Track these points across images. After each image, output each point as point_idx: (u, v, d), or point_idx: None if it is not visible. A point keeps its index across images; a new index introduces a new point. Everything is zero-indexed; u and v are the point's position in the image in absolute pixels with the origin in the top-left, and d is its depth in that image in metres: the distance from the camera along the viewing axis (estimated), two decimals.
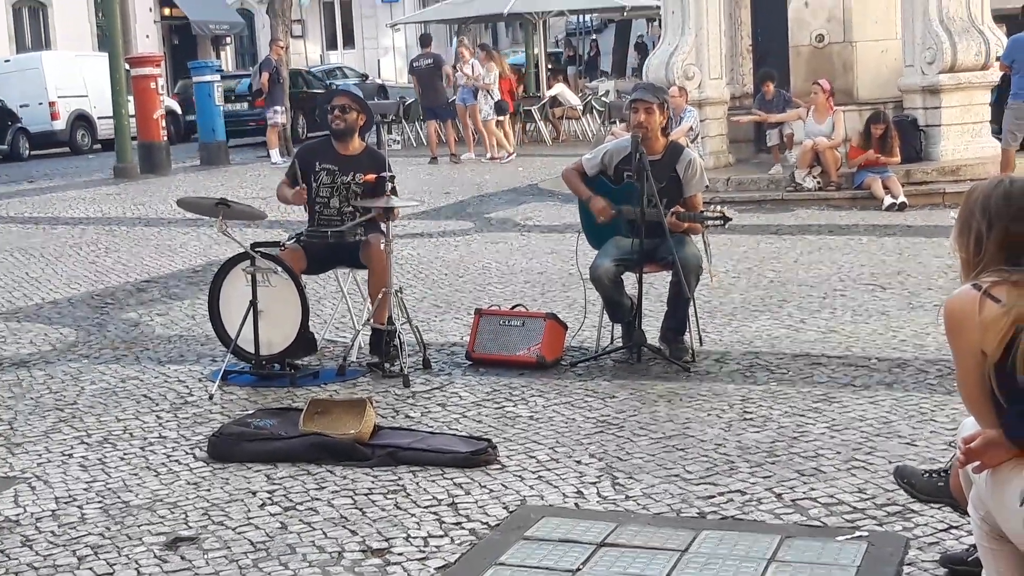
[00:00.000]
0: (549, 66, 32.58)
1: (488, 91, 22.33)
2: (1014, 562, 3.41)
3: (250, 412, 6.51)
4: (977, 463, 3.43)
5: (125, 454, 6.00)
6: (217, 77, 24.66)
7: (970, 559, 4.14)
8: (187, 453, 5.99)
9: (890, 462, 5.41)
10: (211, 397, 6.94)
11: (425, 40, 24.54)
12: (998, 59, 14.39)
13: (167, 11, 44.08)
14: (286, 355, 7.31)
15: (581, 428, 6.19)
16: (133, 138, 21.94)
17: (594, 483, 5.37)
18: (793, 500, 5.09)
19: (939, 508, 4.70)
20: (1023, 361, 3.29)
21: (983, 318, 3.35)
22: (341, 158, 7.76)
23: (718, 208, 7.55)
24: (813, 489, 5.20)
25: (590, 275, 7.46)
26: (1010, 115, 13.95)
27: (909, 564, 4.42)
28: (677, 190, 7.45)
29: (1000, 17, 15.88)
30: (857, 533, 4.71)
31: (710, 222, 7.41)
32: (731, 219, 7.52)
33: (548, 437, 6.05)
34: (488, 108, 22.24)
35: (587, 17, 47.05)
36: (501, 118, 22.70)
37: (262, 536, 4.88)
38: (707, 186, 7.59)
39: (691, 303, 7.43)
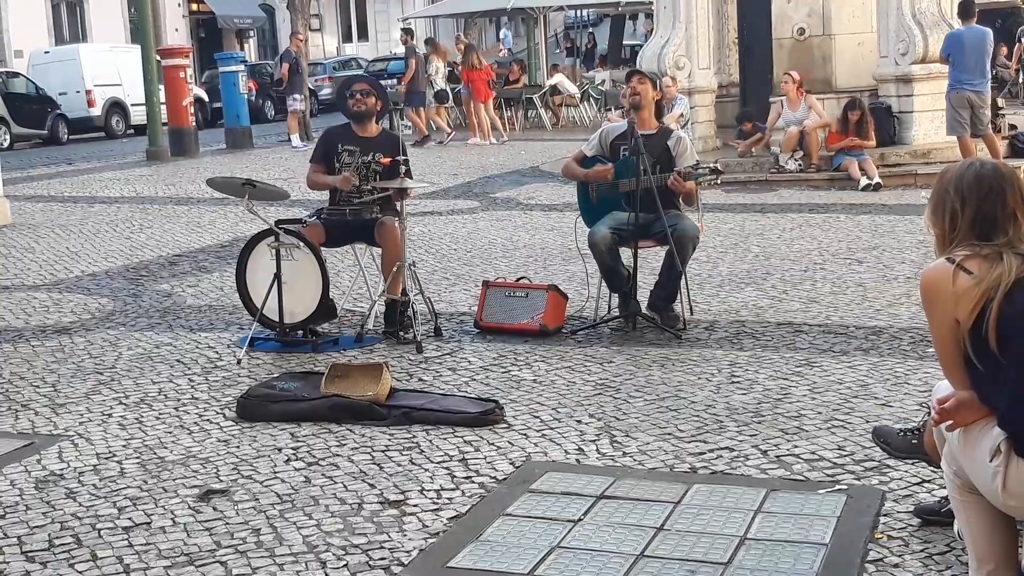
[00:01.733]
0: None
1: (431, 81, 22.96)
2: (983, 512, 3.41)
3: (275, 376, 6.52)
4: (950, 422, 3.43)
5: (160, 414, 6.01)
6: (241, 67, 24.62)
7: (942, 510, 4.15)
8: (217, 413, 6.00)
9: (867, 421, 5.42)
10: (239, 362, 6.94)
11: (403, 36, 24.70)
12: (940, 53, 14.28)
13: (195, 6, 43.97)
14: (308, 323, 7.32)
15: (581, 390, 6.19)
16: (164, 124, 21.93)
17: (593, 441, 5.38)
18: (777, 456, 5.09)
19: (913, 464, 4.71)
20: (993, 329, 3.28)
21: (956, 289, 3.34)
22: (361, 140, 7.76)
23: (709, 163, 7.57)
24: (796, 446, 5.21)
25: (588, 240, 7.45)
26: (949, 105, 13.82)
27: (885, 515, 4.42)
28: (669, 163, 7.46)
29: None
30: (837, 486, 4.71)
31: (704, 178, 7.43)
32: (722, 172, 7.61)
33: (551, 399, 6.06)
34: (429, 96, 22.97)
35: (584, 12, 46.85)
36: (438, 104, 23.52)
37: (288, 489, 4.89)
38: (697, 161, 7.60)
39: (683, 276, 7.43)
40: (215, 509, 4.70)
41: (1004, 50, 26.43)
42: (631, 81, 7.75)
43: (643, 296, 7.56)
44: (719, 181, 7.59)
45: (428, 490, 4.83)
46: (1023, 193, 3.42)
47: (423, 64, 23.13)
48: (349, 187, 7.58)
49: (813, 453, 5.11)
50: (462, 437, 5.48)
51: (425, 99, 23.13)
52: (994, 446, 3.29)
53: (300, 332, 7.33)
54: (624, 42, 43.11)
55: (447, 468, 5.09)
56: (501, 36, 51.66)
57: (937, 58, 14.71)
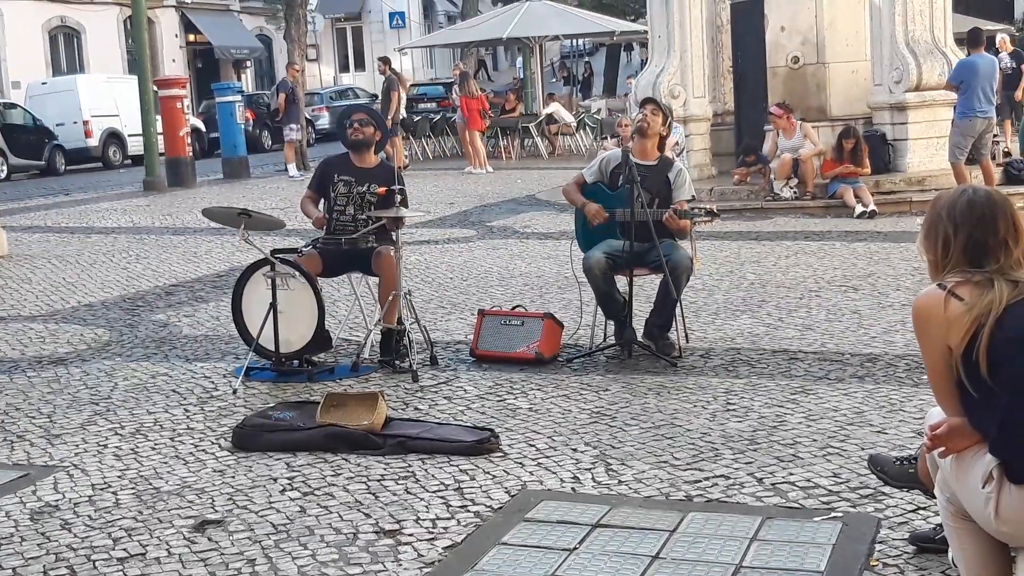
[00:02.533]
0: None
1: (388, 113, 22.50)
2: (977, 539, 3.42)
3: (271, 405, 6.52)
4: (943, 448, 3.44)
5: (156, 444, 6.01)
6: (238, 97, 24.71)
7: (937, 537, 4.15)
8: (213, 443, 5.99)
9: (863, 449, 5.43)
10: (235, 391, 6.95)
11: (382, 66, 24.62)
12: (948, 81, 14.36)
13: (192, 37, 44.14)
14: (304, 352, 7.32)
15: (577, 419, 6.19)
16: (161, 154, 21.97)
17: (589, 469, 5.38)
18: (773, 484, 5.09)
19: (908, 491, 4.71)
20: (984, 355, 3.30)
21: (948, 315, 3.36)
22: (357, 170, 7.79)
23: (704, 206, 7.61)
24: (792, 474, 5.21)
25: (583, 265, 7.47)
26: (956, 132, 13.88)
27: (881, 542, 4.42)
28: (668, 194, 7.50)
29: (959, 40, 15.90)
30: (833, 514, 4.71)
31: (697, 218, 7.45)
32: (718, 215, 7.62)
33: (546, 427, 6.06)
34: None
35: (580, 41, 47.09)
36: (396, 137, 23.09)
37: (283, 519, 4.89)
38: (693, 196, 7.65)
39: (678, 304, 7.45)
40: (210, 540, 4.69)
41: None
42: (646, 107, 7.79)
43: (639, 324, 7.58)
44: (713, 222, 7.61)
45: (423, 519, 4.83)
46: (1015, 220, 3.44)
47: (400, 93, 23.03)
48: (321, 225, 7.60)
49: (809, 481, 5.12)
50: (458, 466, 5.48)
51: (397, 129, 23.06)
52: (986, 472, 3.30)
53: (296, 362, 7.33)
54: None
55: (442, 497, 5.08)
56: (516, 64, 51.82)
57: (931, 85, 14.81)
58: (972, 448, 3.37)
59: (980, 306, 3.33)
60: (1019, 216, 3.48)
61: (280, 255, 7.37)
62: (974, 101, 13.76)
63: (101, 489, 5.34)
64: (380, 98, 24.08)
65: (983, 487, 3.31)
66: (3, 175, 26.33)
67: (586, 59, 52.67)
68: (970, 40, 14.57)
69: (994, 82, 14.10)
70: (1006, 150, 16.69)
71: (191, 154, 22.86)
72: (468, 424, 6.10)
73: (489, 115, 24.14)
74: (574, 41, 46.00)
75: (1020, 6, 40.76)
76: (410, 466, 5.50)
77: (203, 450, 5.89)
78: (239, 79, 42.54)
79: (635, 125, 7.66)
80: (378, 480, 5.33)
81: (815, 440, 5.67)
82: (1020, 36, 38.57)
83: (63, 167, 28.80)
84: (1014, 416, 3.26)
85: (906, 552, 4.32)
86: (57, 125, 29.08)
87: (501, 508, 4.93)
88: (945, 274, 3.46)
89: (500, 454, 5.64)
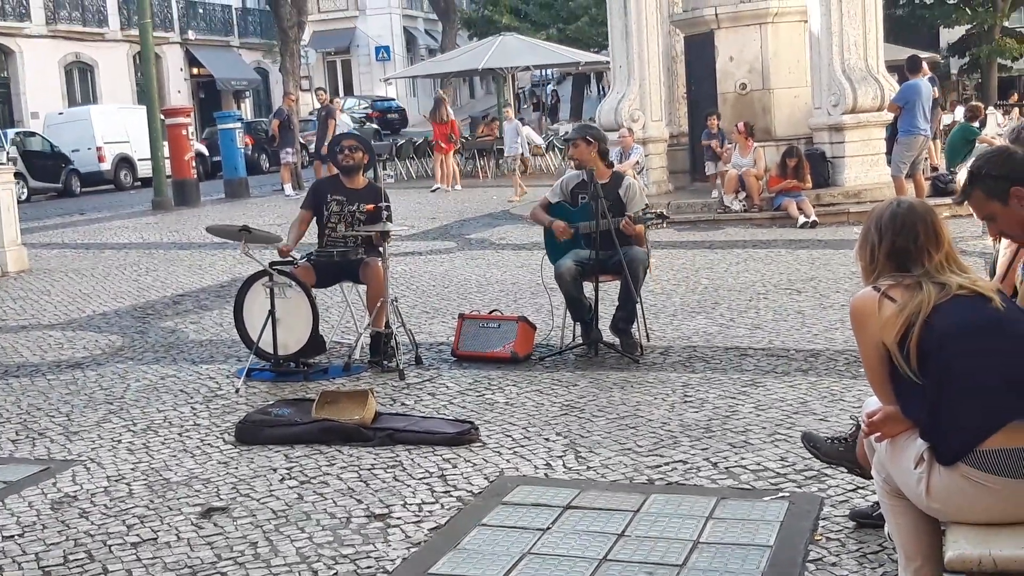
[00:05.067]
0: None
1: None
2: (910, 515, 3.43)
3: (270, 403, 6.50)
4: (879, 434, 3.45)
5: (165, 439, 5.99)
6: (238, 125, 24.62)
7: (874, 514, 4.17)
8: (218, 437, 5.97)
9: None
10: (237, 391, 6.92)
11: (321, 94, 24.34)
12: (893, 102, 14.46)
13: (195, 70, 44.01)
14: (300, 355, 7.30)
15: (549, 411, 6.20)
16: (168, 176, 21.85)
17: (560, 457, 5.38)
18: (726, 468, 5.11)
19: (847, 472, 4.73)
20: (915, 350, 3.31)
21: (882, 315, 3.37)
22: (348, 191, 7.79)
23: (655, 209, 7.62)
24: (743, 458, 5.22)
25: (554, 273, 7.48)
26: (900, 148, 13.98)
27: (824, 519, 4.44)
28: (621, 207, 7.50)
29: (890, 68, 15.99)
30: (780, 494, 4.73)
31: (651, 222, 7.46)
32: (668, 217, 7.65)
33: (521, 419, 6.06)
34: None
35: (548, 71, 47.16)
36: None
37: (282, 505, 4.87)
38: (647, 204, 7.65)
39: (639, 304, 7.46)
40: (216, 525, 4.67)
41: None
42: (569, 151, 7.81)
43: (604, 325, 7.59)
44: (664, 224, 7.63)
45: (410, 504, 4.82)
46: (936, 228, 3.45)
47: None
48: (286, 254, 7.58)
49: (758, 464, 5.13)
50: (441, 455, 5.47)
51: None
52: (918, 455, 3.32)
53: (293, 363, 7.30)
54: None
55: (427, 484, 5.08)
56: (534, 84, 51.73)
57: (866, 108, 14.91)
58: (905, 433, 3.38)
59: (911, 306, 3.33)
60: (941, 225, 3.49)
61: (278, 267, 7.35)
62: (918, 120, 13.86)
63: (116, 480, 5.32)
64: (317, 125, 23.48)
65: (915, 468, 3.32)
66: (24, 197, 26.08)
67: (553, 88, 52.77)
68: (910, 66, 14.67)
69: (930, 103, 14.20)
70: (934, 166, 16.81)
71: (195, 176, 22.76)
72: (450, 417, 6.10)
73: (456, 139, 23.94)
74: (543, 71, 46.05)
75: (944, 36, 41.05)
76: (398, 456, 5.49)
77: (209, 444, 5.87)
78: (239, 108, 42.47)
79: (588, 168, 7.58)
80: (369, 469, 5.32)
81: (764, 428, 5.69)
82: (945, 63, 38.91)
83: (79, 189, 28.65)
84: (941, 404, 3.28)
85: (847, 527, 4.34)
86: (73, 151, 28.92)
87: (481, 493, 4.93)
88: (875, 279, 3.47)
89: (479, 444, 5.64)
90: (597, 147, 7.61)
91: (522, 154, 21.77)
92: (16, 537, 4.64)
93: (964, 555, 3.10)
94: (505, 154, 21.87)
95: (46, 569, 4.29)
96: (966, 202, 3.84)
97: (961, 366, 3.27)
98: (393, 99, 48.59)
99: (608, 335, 7.56)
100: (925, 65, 15.45)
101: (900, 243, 3.43)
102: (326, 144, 20.68)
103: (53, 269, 13.29)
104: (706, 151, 16.20)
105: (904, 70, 15.06)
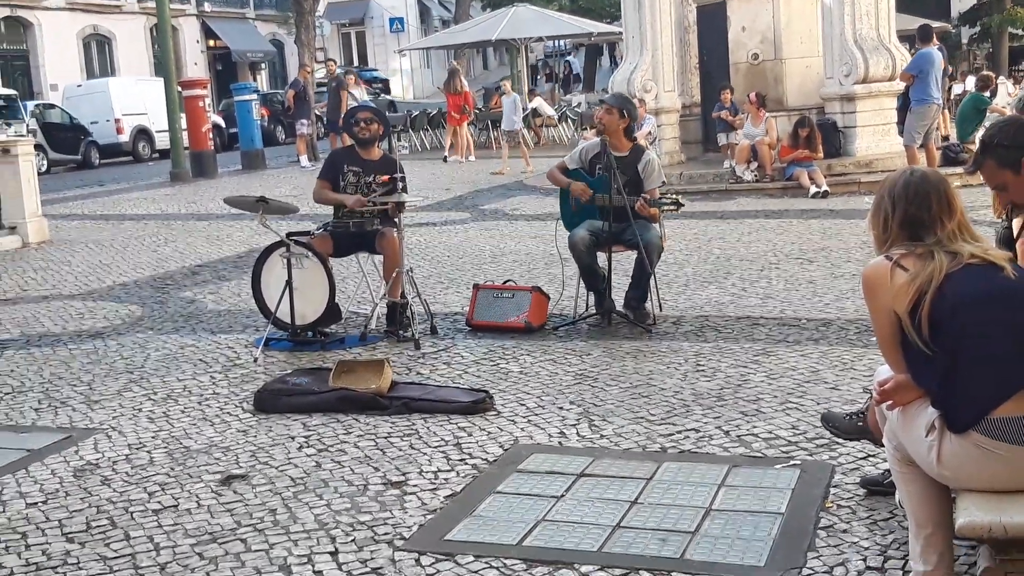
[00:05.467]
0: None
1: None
2: (921, 482, 3.42)
3: (288, 372, 6.52)
4: (890, 402, 3.44)
5: (185, 408, 6.01)
6: (254, 96, 24.58)
7: (885, 481, 4.17)
8: (236, 406, 5.99)
9: (819, 404, 5.45)
10: (256, 360, 6.94)
11: (331, 64, 24.24)
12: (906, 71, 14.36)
13: (211, 43, 43.92)
14: (317, 324, 7.31)
15: (562, 380, 6.20)
16: (185, 148, 21.86)
17: (574, 425, 5.39)
18: (738, 436, 5.11)
19: (858, 442, 4.73)
20: (926, 319, 3.30)
21: (894, 284, 3.35)
22: (364, 162, 7.77)
23: (673, 196, 7.58)
24: (755, 427, 5.22)
25: (568, 242, 7.46)
26: (913, 118, 13.89)
27: (835, 487, 4.44)
28: (638, 182, 7.46)
29: (901, 37, 15.86)
30: (791, 462, 4.73)
31: (666, 207, 7.43)
32: (683, 205, 7.59)
33: (535, 388, 6.06)
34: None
35: (562, 42, 46.89)
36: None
37: (300, 473, 4.89)
38: (664, 182, 7.61)
39: (652, 277, 7.45)
40: (235, 492, 4.69)
41: None
42: (599, 112, 7.77)
43: (617, 295, 7.58)
44: (678, 210, 7.57)
45: (426, 472, 4.84)
46: (948, 198, 3.43)
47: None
48: (361, 206, 7.54)
49: (770, 432, 5.13)
50: (456, 424, 5.48)
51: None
52: (929, 423, 3.31)
53: (310, 332, 7.32)
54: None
55: (443, 452, 5.09)
56: (571, 60, 51.31)
57: (877, 78, 14.79)
58: (916, 402, 3.38)
59: (923, 275, 3.32)
60: (953, 194, 3.46)
61: (294, 237, 7.35)
62: (931, 88, 13.77)
63: (137, 448, 5.34)
64: (328, 96, 23.25)
65: (926, 436, 3.31)
66: (44, 169, 26.12)
67: (566, 58, 52.49)
68: (921, 35, 14.52)
69: (942, 73, 14.10)
70: (945, 135, 16.70)
71: (212, 148, 22.79)
72: (465, 387, 6.10)
73: (470, 110, 23.81)
74: (556, 42, 45.80)
75: (955, 5, 40.67)
76: (414, 424, 5.51)
77: (228, 412, 5.89)
78: (255, 80, 42.38)
79: (601, 138, 7.54)
80: (385, 437, 5.33)
81: (775, 396, 5.68)
82: (956, 33, 38.58)
83: (97, 161, 28.70)
84: (953, 372, 3.27)
85: (857, 495, 4.34)
86: (91, 123, 28.95)
87: (495, 461, 4.94)
88: (888, 247, 3.45)
89: (494, 413, 5.64)
90: (627, 123, 7.59)
91: (519, 129, 21.55)
92: (40, 504, 4.67)
93: (975, 522, 3.10)
94: (503, 128, 21.70)
95: (69, 535, 4.32)
96: (979, 171, 3.82)
97: (973, 335, 3.26)
98: (375, 69, 48.48)
99: (621, 306, 7.55)
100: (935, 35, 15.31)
101: (913, 212, 3.41)
102: (341, 116, 20.64)
103: (73, 240, 13.32)
104: (718, 123, 16.14)
105: (915, 39, 14.95)
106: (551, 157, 18.02)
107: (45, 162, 26.20)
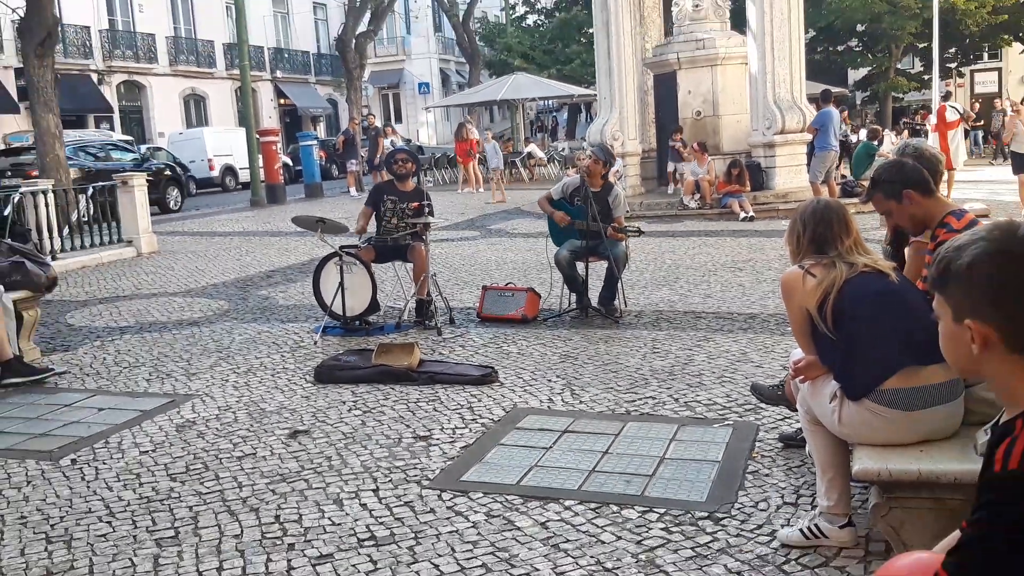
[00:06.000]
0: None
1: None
2: (825, 438, 3.41)
3: (340, 352, 6.51)
4: (802, 377, 3.44)
5: (261, 379, 6.00)
6: (315, 142, 24.52)
7: (798, 437, 4.17)
8: (301, 378, 5.99)
9: (747, 378, 5.44)
10: (315, 343, 6.93)
11: (371, 118, 23.97)
12: (811, 125, 14.39)
13: (282, 101, 43.77)
14: (363, 316, 7.30)
15: (550, 359, 6.19)
16: (262, 181, 21.82)
17: (559, 393, 5.38)
18: (685, 402, 5.10)
19: (777, 407, 4.73)
20: (830, 313, 3.29)
21: (805, 287, 3.35)
22: (401, 192, 7.76)
23: (635, 225, 7.58)
24: (698, 395, 5.22)
25: (554, 258, 7.46)
26: (816, 161, 13.95)
27: (759, 441, 4.44)
28: (608, 211, 7.46)
29: (809, 99, 15.86)
30: (726, 422, 4.73)
31: (630, 233, 7.42)
32: (643, 232, 7.58)
33: (530, 365, 6.05)
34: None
35: (550, 101, 46.82)
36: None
37: (350, 429, 4.89)
38: (628, 211, 7.61)
39: (619, 281, 7.44)
40: (300, 444, 4.69)
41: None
42: (586, 159, 7.76)
43: (592, 294, 7.57)
44: (640, 236, 7.60)
45: (446, 428, 4.84)
46: (846, 220, 3.43)
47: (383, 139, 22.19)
48: (359, 232, 7.55)
49: (710, 400, 5.13)
50: (469, 392, 5.48)
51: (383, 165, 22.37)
52: (832, 392, 3.30)
53: (358, 322, 7.31)
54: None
55: (459, 413, 5.09)
56: (557, 117, 51.13)
57: (791, 130, 14.78)
58: (822, 376, 3.37)
59: (827, 280, 3.32)
60: (850, 218, 3.47)
61: (346, 249, 7.34)
62: (830, 139, 13.84)
63: (224, 410, 5.34)
64: (368, 143, 23.08)
65: (830, 403, 3.31)
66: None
67: (553, 114, 52.42)
68: (823, 97, 14.62)
69: (839, 126, 14.12)
70: (843, 174, 16.68)
71: (283, 181, 22.70)
72: (476, 363, 6.09)
73: (475, 153, 23.63)
74: (545, 101, 45.75)
75: (852, 74, 40.67)
76: (436, 392, 5.50)
77: (294, 383, 5.88)
78: (315, 129, 42.27)
79: (582, 168, 7.59)
80: (415, 402, 5.33)
81: (714, 372, 5.68)
82: (852, 96, 38.61)
83: (194, 191, 28.63)
84: (850, 354, 3.26)
85: (777, 447, 4.34)
86: (190, 162, 28.89)
87: (500, 420, 4.93)
88: (800, 259, 3.45)
89: (499, 384, 5.64)
90: (606, 169, 7.60)
91: (497, 168, 21.48)
92: (150, 452, 4.67)
93: (867, 468, 3.09)
94: (489, 167, 21.79)
95: (173, 476, 4.31)
96: (870, 202, 3.82)
97: (866, 325, 3.25)
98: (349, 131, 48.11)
99: (596, 303, 7.54)
100: (833, 97, 15.32)
101: (819, 232, 3.41)
102: (379, 157, 20.67)
103: (176, 251, 13.30)
104: (670, 152, 16.08)
105: (819, 101, 14.97)
106: (541, 189, 17.99)
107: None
